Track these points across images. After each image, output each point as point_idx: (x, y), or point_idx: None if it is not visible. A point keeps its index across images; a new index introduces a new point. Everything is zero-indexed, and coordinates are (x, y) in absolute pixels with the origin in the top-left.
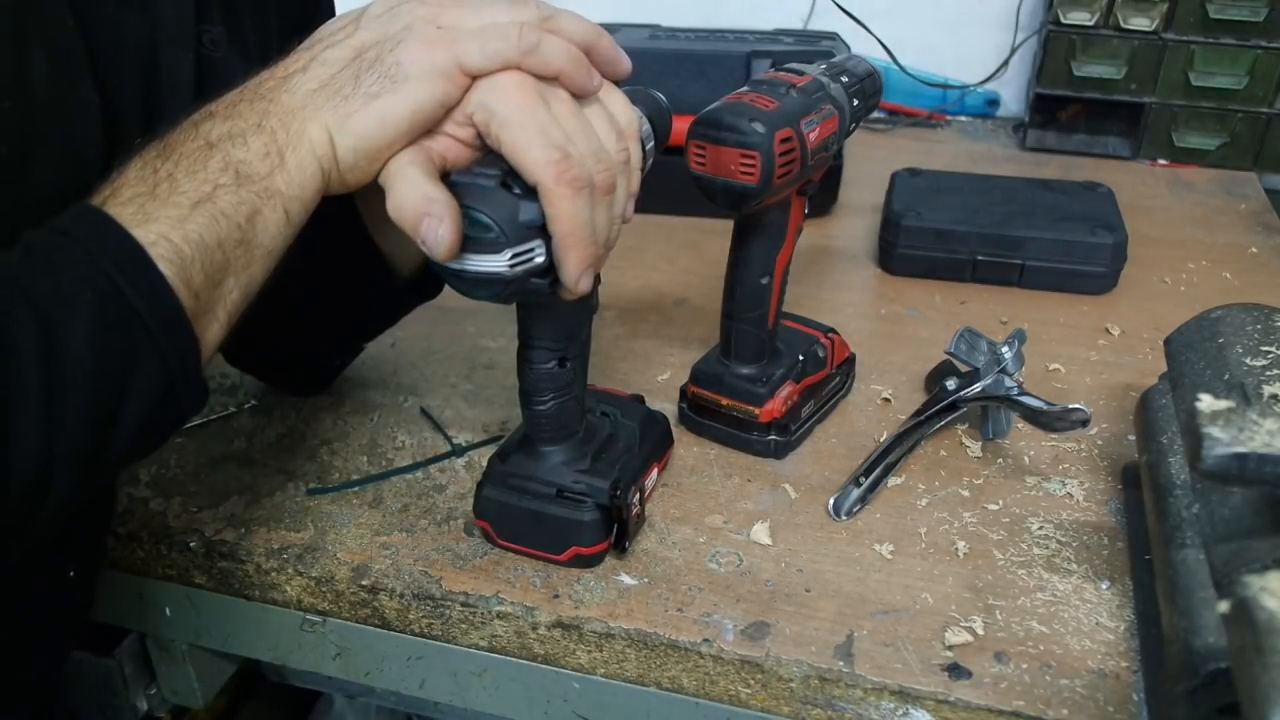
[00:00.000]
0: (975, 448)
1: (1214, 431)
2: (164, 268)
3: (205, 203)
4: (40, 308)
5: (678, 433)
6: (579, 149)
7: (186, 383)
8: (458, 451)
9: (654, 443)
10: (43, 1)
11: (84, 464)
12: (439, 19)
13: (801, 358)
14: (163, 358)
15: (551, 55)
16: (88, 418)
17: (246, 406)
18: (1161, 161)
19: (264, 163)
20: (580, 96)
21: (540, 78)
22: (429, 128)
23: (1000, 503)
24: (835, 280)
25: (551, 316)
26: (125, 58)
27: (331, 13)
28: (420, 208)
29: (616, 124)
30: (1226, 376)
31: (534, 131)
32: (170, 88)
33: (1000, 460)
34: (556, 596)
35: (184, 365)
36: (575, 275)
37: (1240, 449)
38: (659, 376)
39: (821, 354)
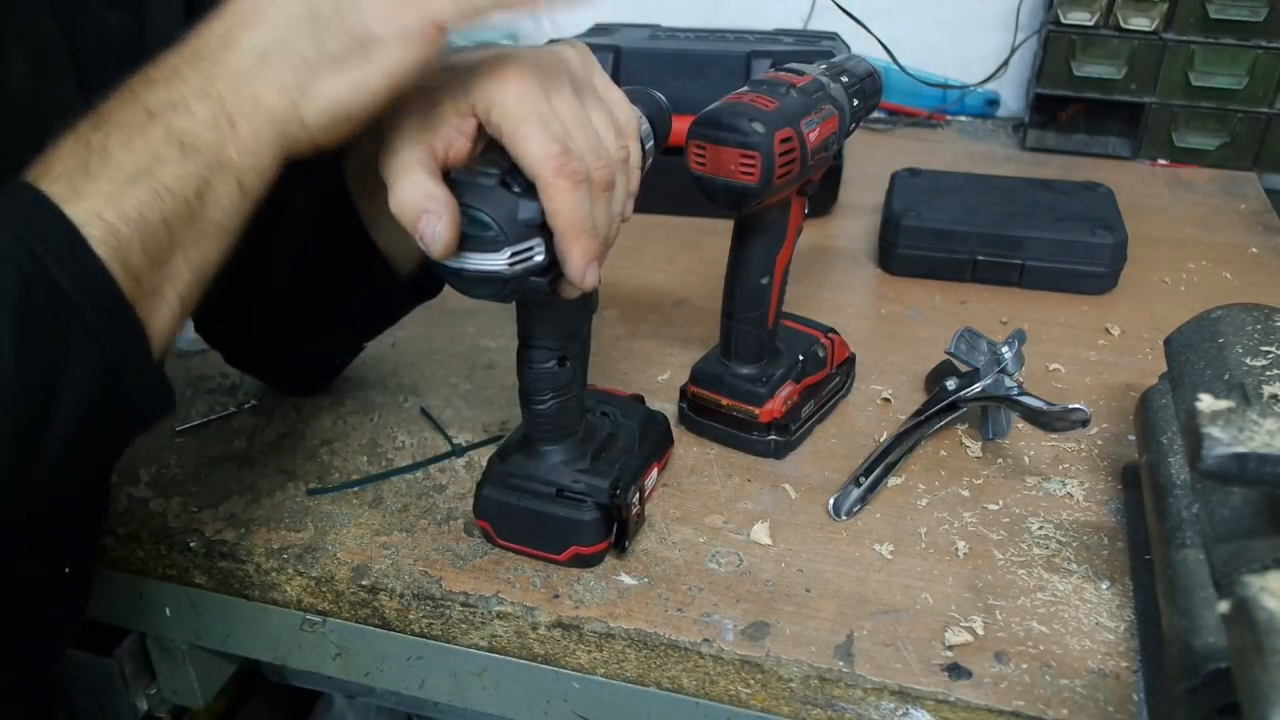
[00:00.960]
0: (975, 448)
1: (1214, 431)
2: (98, 248)
3: (145, 176)
4: None
5: (678, 433)
6: (578, 144)
7: (136, 372)
8: (458, 451)
9: (654, 443)
10: (21, 2)
11: (16, 463)
12: None
13: (801, 358)
14: (99, 345)
15: None
16: (14, 410)
17: (246, 406)
18: (1161, 161)
19: (212, 132)
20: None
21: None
22: (409, 89)
23: (1000, 503)
24: (835, 280)
25: (551, 316)
26: (111, 58)
27: None
28: (420, 205)
29: (616, 122)
30: (1226, 376)
31: (535, 123)
32: None
33: (1000, 460)
34: (556, 596)
35: (127, 353)
36: (581, 269)
37: (1240, 449)
38: (659, 376)
39: (821, 354)
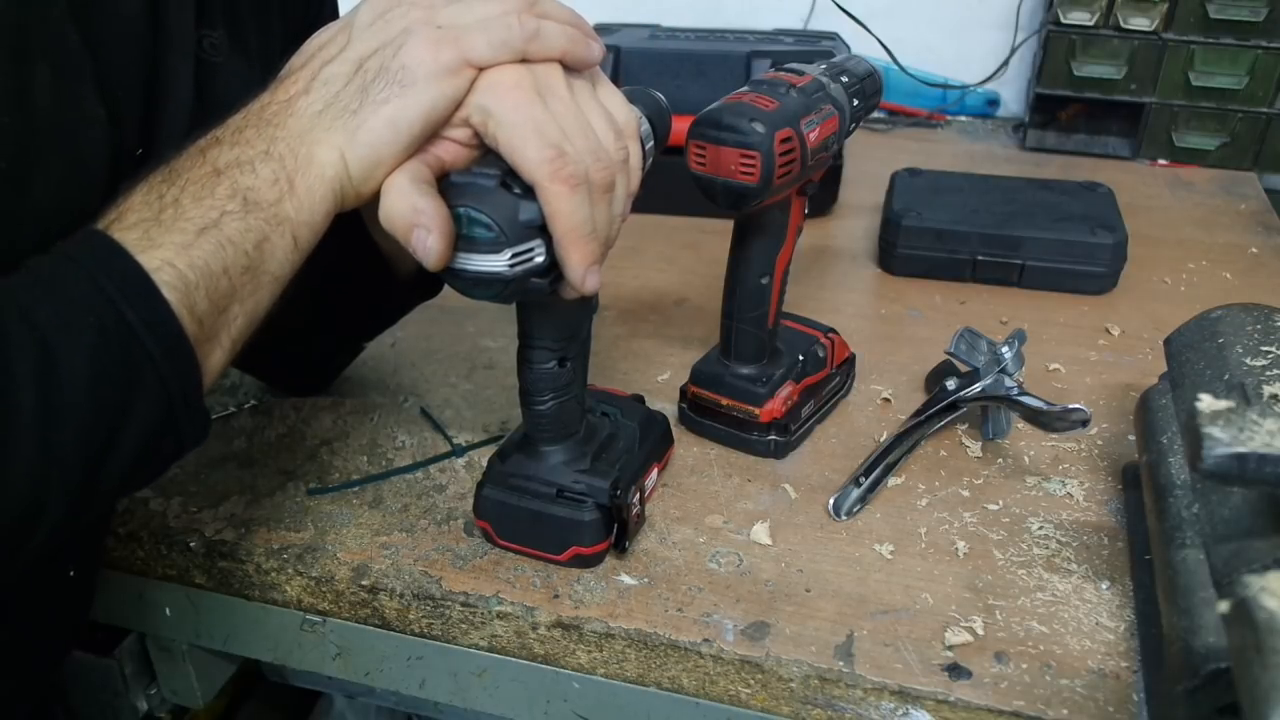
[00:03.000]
0: (975, 448)
1: (1214, 431)
2: (168, 294)
3: (211, 229)
4: (40, 331)
5: (678, 433)
6: (576, 146)
7: (189, 411)
8: (458, 451)
9: (654, 443)
10: (46, 16)
11: (79, 491)
12: (435, 19)
13: (801, 358)
14: (164, 385)
15: (553, 37)
16: (84, 444)
17: (246, 406)
18: (1161, 161)
19: (272, 190)
20: (583, 69)
21: (542, 61)
22: (440, 126)
23: (1000, 503)
24: (835, 280)
25: (551, 316)
26: (130, 68)
27: (335, 14)
28: (409, 219)
29: (615, 123)
30: (1226, 376)
31: (530, 130)
32: (171, 96)
33: (1000, 460)
34: (556, 596)
35: (185, 393)
36: (581, 273)
37: (1240, 449)
38: (659, 376)
39: (821, 354)
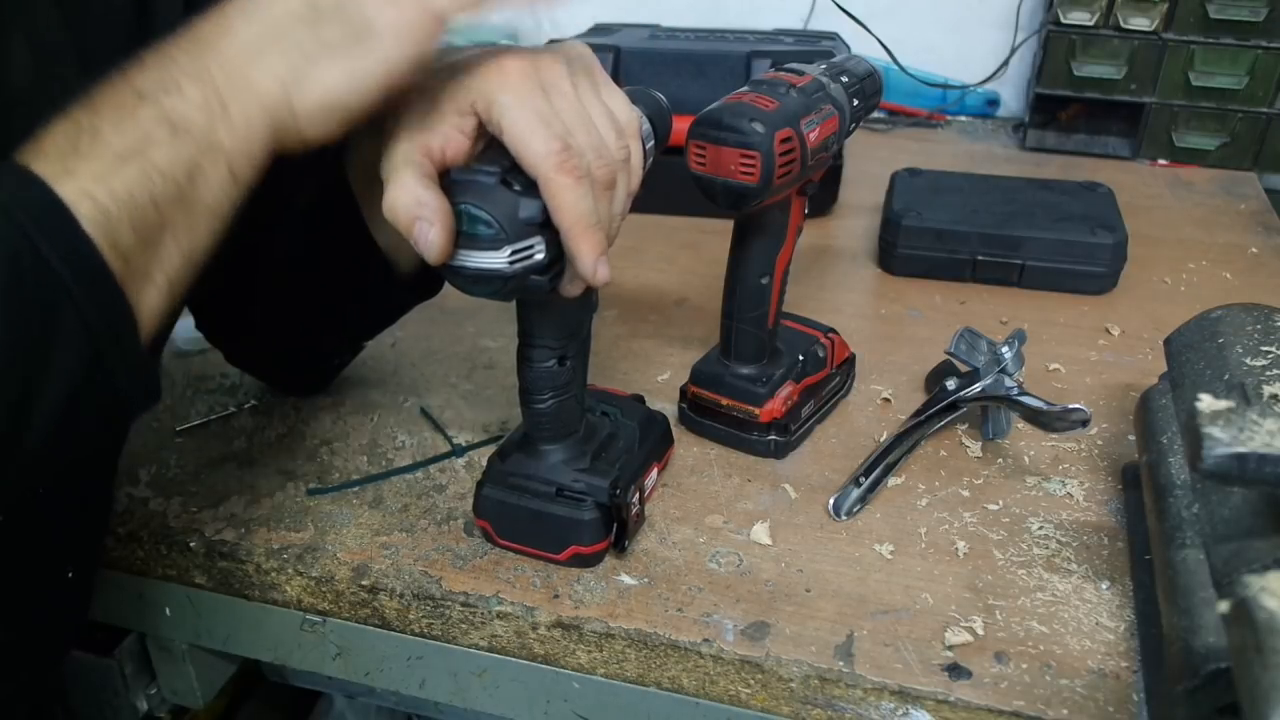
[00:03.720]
0: (975, 448)
1: (1214, 431)
2: (86, 225)
3: (135, 156)
4: None
5: (678, 433)
6: (579, 142)
7: (122, 354)
8: (458, 451)
9: (654, 442)
10: None
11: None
12: None
13: (801, 358)
14: (85, 323)
15: None
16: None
17: (246, 406)
18: (1161, 161)
19: (203, 114)
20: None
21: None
22: (403, 83)
23: (1000, 503)
24: (835, 280)
25: (551, 315)
26: (115, 51)
27: None
28: (411, 211)
29: (617, 122)
30: (1226, 376)
31: (535, 122)
32: None
33: (1000, 460)
34: (556, 596)
35: (114, 331)
36: (591, 264)
37: (1240, 449)
38: (659, 376)
39: (821, 354)
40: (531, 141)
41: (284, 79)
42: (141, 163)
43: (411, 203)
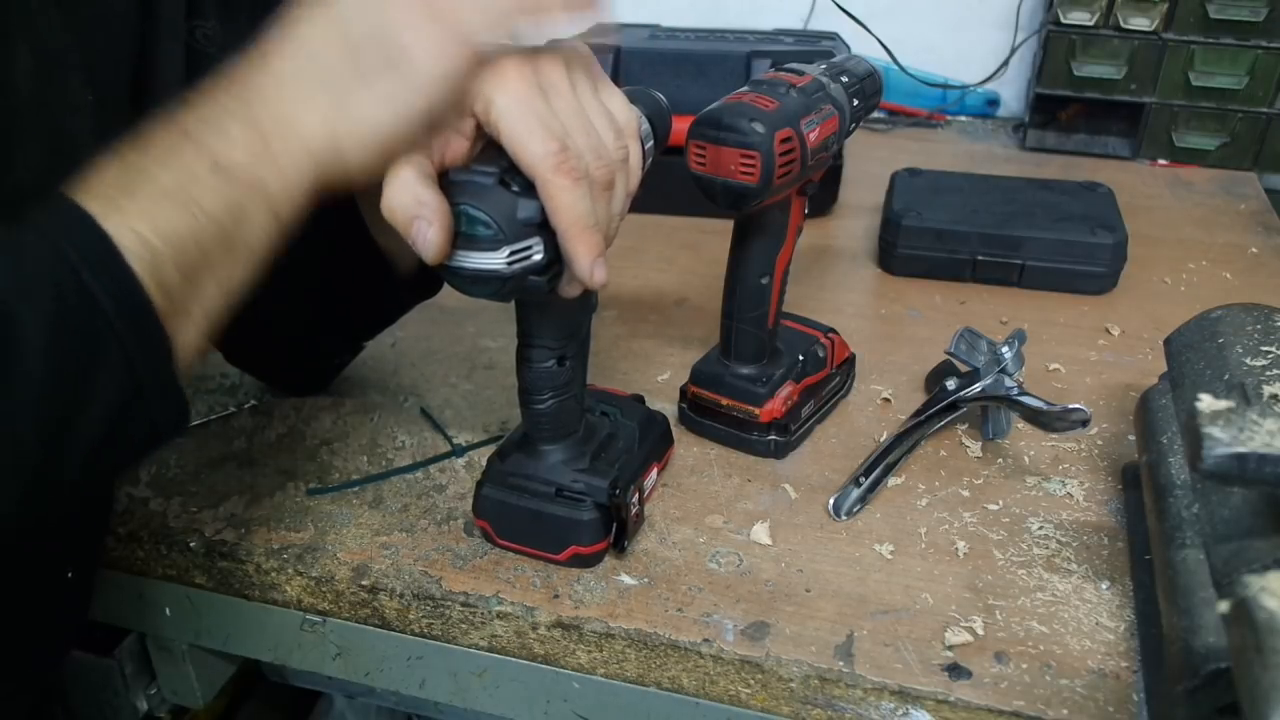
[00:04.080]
0: (975, 448)
1: (1214, 431)
2: (133, 262)
3: (181, 196)
4: None
5: (678, 433)
6: (577, 143)
7: (159, 388)
8: (458, 451)
9: (654, 443)
10: (27, 2)
11: (37, 470)
12: None
13: (801, 358)
14: (128, 357)
15: (548, 2)
16: (42, 418)
17: (246, 406)
18: (1161, 161)
19: (247, 155)
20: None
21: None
22: (442, 112)
23: (1000, 503)
24: (835, 280)
25: (551, 315)
26: (119, 56)
27: None
28: (410, 210)
29: (616, 122)
30: (1226, 376)
31: (534, 123)
32: (161, 84)
33: (1000, 460)
34: (556, 596)
35: (153, 366)
36: (588, 266)
37: (1240, 449)
38: (659, 376)
39: (821, 354)
40: (529, 142)
41: (328, 116)
42: (187, 203)
43: (410, 202)
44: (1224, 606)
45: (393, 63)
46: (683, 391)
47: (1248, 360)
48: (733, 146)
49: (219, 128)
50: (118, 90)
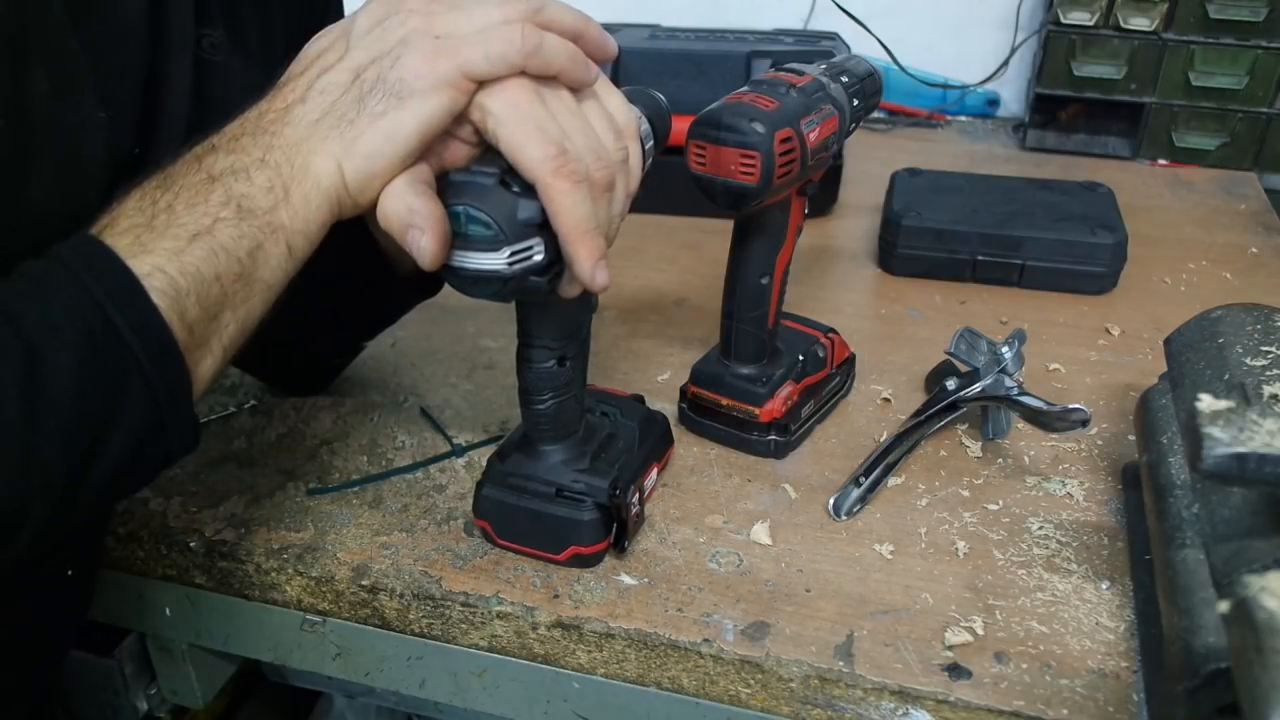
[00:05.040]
0: (975, 448)
1: (1214, 431)
2: (158, 300)
3: (204, 236)
4: (27, 335)
5: (678, 433)
6: (576, 145)
7: (177, 418)
8: (458, 451)
9: (654, 443)
10: (44, 21)
11: (61, 497)
12: (433, 28)
13: (801, 358)
14: (151, 392)
15: (553, 55)
16: (68, 449)
17: (246, 406)
18: (1161, 161)
19: (267, 197)
20: (577, 91)
21: (540, 75)
22: (437, 136)
23: (1000, 503)
24: (835, 280)
25: (551, 315)
26: (130, 71)
27: (341, 13)
28: (404, 219)
29: (615, 123)
30: (1226, 376)
31: (531, 128)
32: (169, 95)
33: (1000, 460)
34: (556, 596)
35: (174, 401)
36: (590, 269)
37: (1240, 449)
38: (659, 376)
39: (821, 354)
40: (527, 146)
41: (336, 156)
42: (210, 242)
43: (404, 211)
44: (1224, 606)
45: (394, 94)
46: (683, 391)
47: (1248, 360)
48: (733, 146)
49: (245, 174)
50: (129, 106)
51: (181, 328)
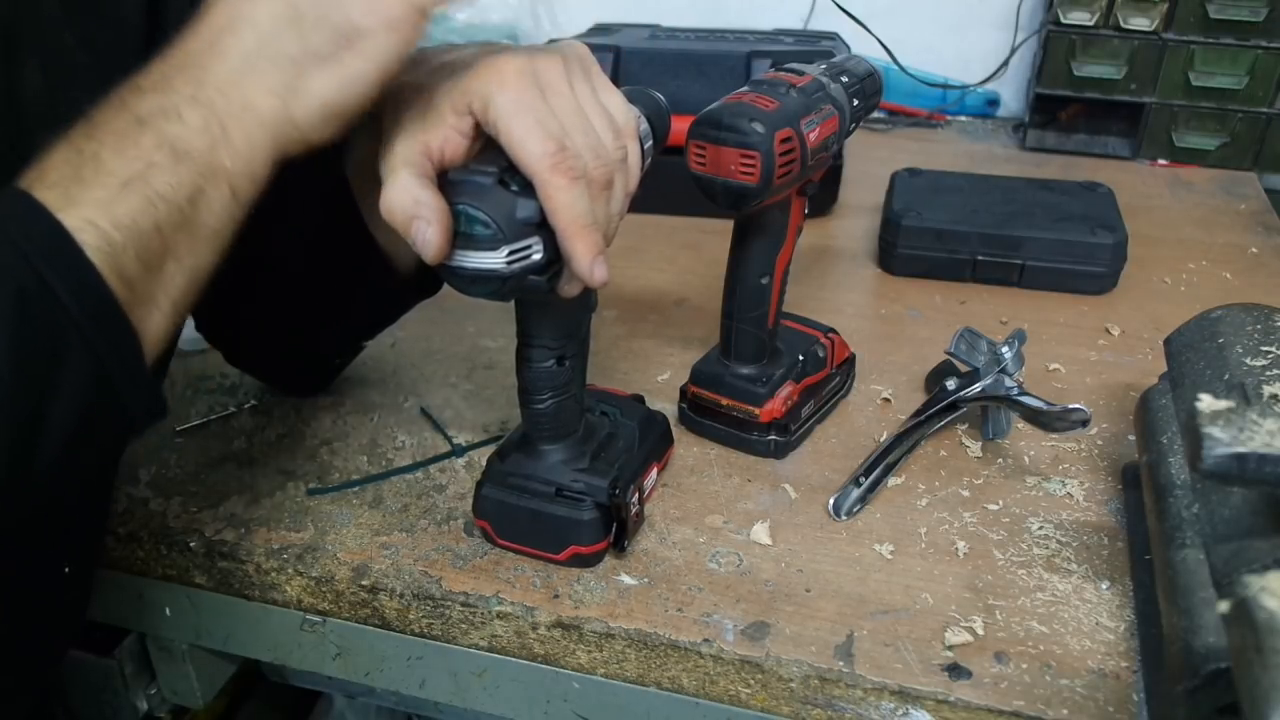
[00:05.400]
0: (975, 448)
1: (1214, 431)
2: (92, 255)
3: (138, 183)
4: None
5: (678, 433)
6: (576, 143)
7: (129, 379)
8: (458, 451)
9: (653, 442)
10: (37, 17)
11: (8, 470)
12: None
13: (801, 358)
14: (92, 350)
15: None
16: (8, 416)
17: (246, 406)
18: (1161, 161)
19: (203, 137)
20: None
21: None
22: (393, 78)
23: (1000, 503)
24: (835, 280)
25: (550, 315)
26: (127, 63)
27: None
28: (409, 210)
29: (614, 122)
30: (1226, 376)
31: (531, 122)
32: None
33: (1000, 460)
34: (556, 596)
35: (121, 358)
36: (588, 265)
37: (1240, 449)
38: (659, 376)
39: (821, 354)
40: (527, 142)
41: (280, 93)
42: (144, 189)
43: (409, 202)
44: (1224, 606)
45: (344, 38)
46: (683, 391)
47: (1248, 360)
48: (733, 146)
49: (176, 113)
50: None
51: (120, 283)
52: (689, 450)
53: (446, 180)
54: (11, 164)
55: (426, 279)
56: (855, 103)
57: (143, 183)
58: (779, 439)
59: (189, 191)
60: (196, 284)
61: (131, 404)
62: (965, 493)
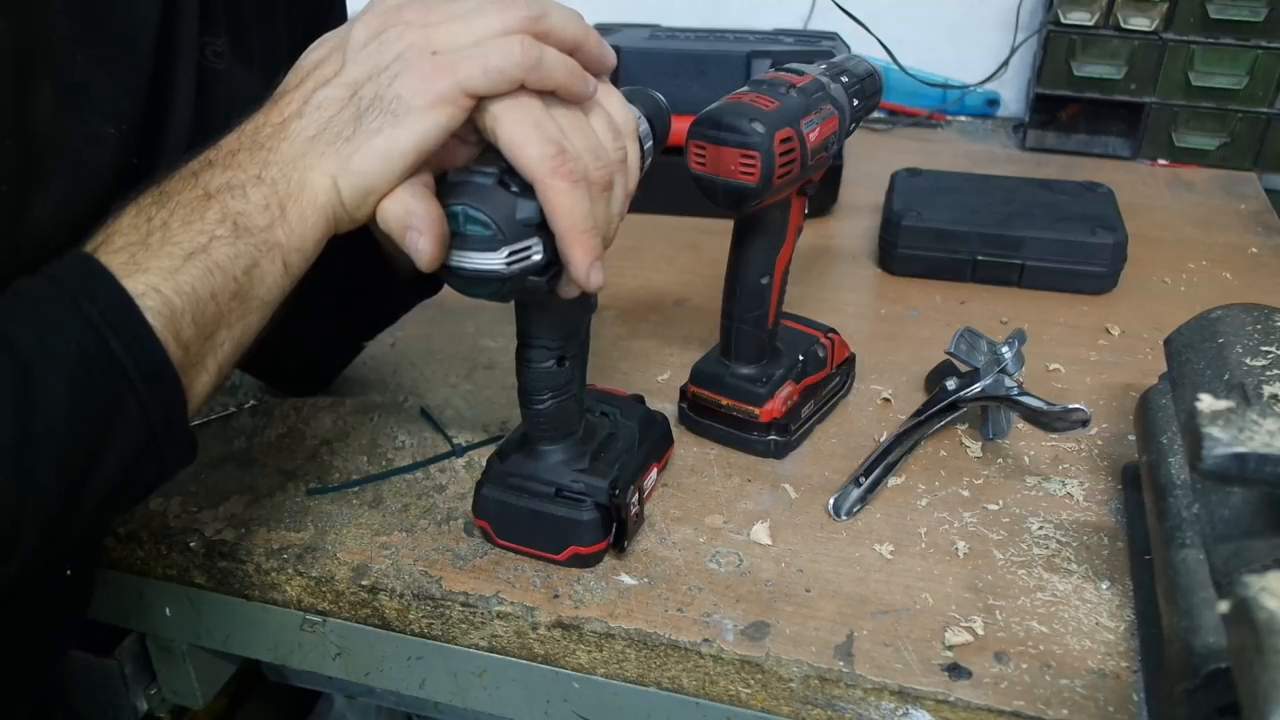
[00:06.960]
0: (975, 448)
1: (1214, 431)
2: (152, 320)
3: (200, 254)
4: (20, 356)
5: (678, 433)
6: (575, 145)
7: (173, 438)
8: (458, 451)
9: (653, 443)
10: (49, 37)
11: (55, 518)
12: (431, 42)
13: (801, 358)
14: (145, 412)
15: (551, 70)
16: (61, 471)
17: (246, 406)
18: (1161, 161)
19: (263, 215)
20: (576, 104)
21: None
22: (434, 150)
23: (1000, 503)
24: (835, 280)
25: (550, 315)
26: (139, 85)
27: (344, 17)
28: (401, 220)
29: (614, 123)
30: (1226, 376)
31: (530, 126)
32: (173, 107)
33: (1000, 460)
34: (556, 596)
35: (168, 419)
36: (585, 269)
37: (1240, 449)
38: (659, 376)
39: (821, 354)
40: (526, 145)
41: (333, 173)
42: (205, 260)
43: (401, 212)
44: (1224, 606)
45: (390, 111)
46: (683, 391)
47: (1248, 360)
48: (733, 146)
49: (240, 191)
50: (137, 120)
51: (177, 347)
52: (689, 450)
53: (446, 181)
54: (24, 185)
55: (426, 279)
56: (855, 103)
57: (204, 254)
58: (779, 439)
59: (246, 264)
60: (241, 349)
61: (169, 459)
62: (965, 493)
